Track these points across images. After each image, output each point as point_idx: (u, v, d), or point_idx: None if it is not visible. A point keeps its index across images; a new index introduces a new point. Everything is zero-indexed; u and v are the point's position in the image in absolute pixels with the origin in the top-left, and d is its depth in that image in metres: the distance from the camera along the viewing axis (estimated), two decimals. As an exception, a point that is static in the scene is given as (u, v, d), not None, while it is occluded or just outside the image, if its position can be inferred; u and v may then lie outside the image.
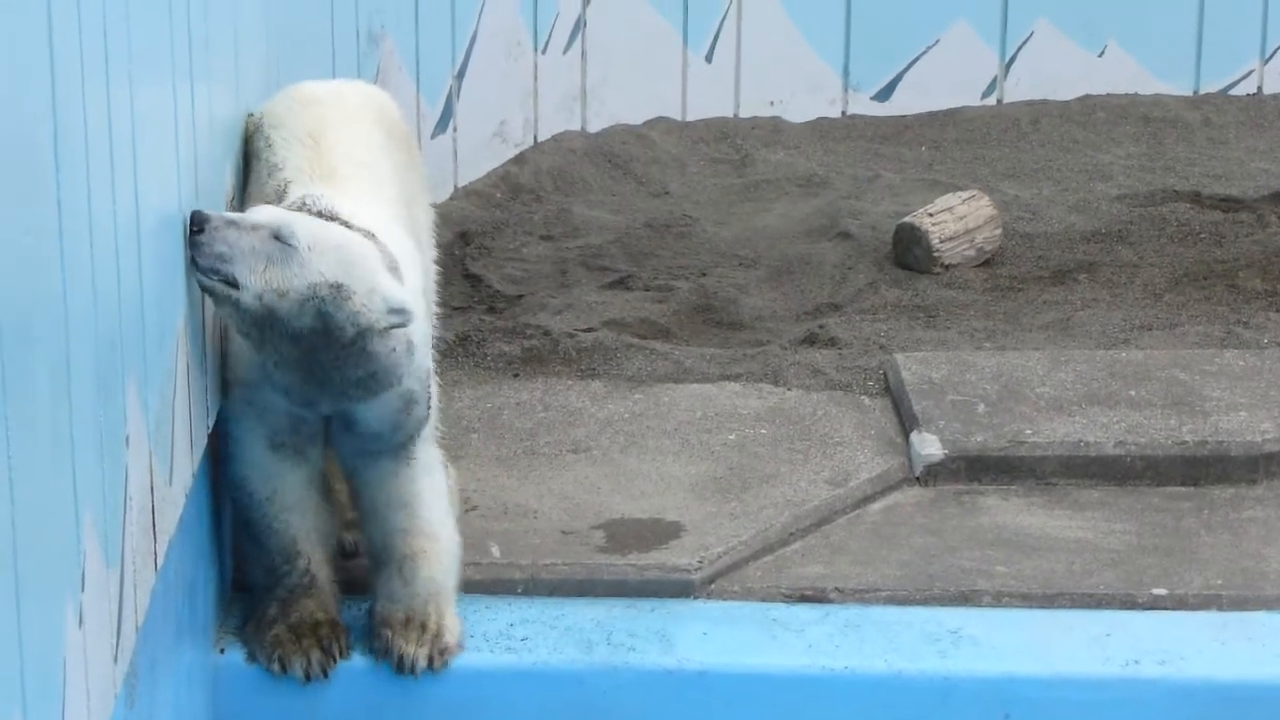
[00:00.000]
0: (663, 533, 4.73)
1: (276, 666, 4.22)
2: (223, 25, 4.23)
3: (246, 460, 4.21)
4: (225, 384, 4.21)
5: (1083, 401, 5.29)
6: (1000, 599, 4.55)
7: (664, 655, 4.34)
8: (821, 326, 5.95)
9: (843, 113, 7.97)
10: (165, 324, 3.70)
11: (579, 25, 7.70)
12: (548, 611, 4.45)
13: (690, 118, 7.86)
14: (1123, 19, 7.94)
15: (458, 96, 7.15)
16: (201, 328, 4.05)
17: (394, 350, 3.99)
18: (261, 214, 3.95)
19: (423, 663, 4.25)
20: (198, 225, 3.84)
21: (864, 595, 4.55)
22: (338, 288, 3.90)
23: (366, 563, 4.51)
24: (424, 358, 4.16)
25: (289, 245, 3.88)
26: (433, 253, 4.69)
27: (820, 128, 7.88)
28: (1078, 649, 4.38)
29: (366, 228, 4.06)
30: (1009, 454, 5.08)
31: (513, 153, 7.49)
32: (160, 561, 3.66)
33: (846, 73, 7.93)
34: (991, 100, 7.99)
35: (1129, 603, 4.55)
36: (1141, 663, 4.34)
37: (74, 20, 3.04)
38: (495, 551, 4.56)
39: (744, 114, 7.92)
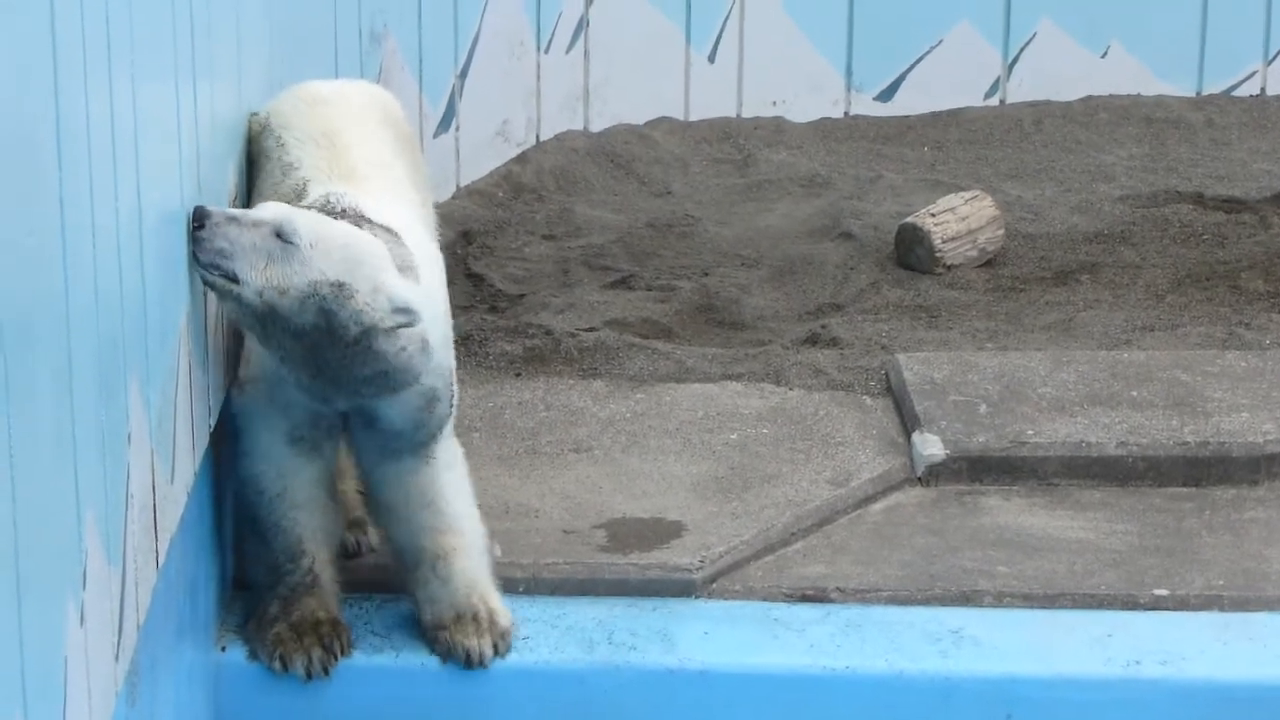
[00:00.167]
0: (664, 532, 4.73)
1: (278, 665, 4.22)
2: (225, 23, 4.23)
3: (261, 456, 4.20)
4: (240, 381, 4.21)
5: (1085, 402, 5.29)
6: (1002, 599, 4.55)
7: (665, 655, 4.34)
8: (823, 326, 5.95)
9: (845, 113, 7.97)
10: (167, 322, 3.70)
11: (582, 25, 7.71)
12: (549, 611, 4.46)
13: (693, 117, 7.86)
14: (1125, 19, 7.94)
15: (460, 96, 7.16)
16: (204, 326, 4.05)
17: (404, 350, 3.98)
18: (266, 210, 3.94)
19: (490, 652, 4.27)
20: (199, 221, 3.84)
21: (865, 595, 4.55)
22: (340, 286, 3.89)
23: (370, 561, 4.52)
24: (445, 356, 4.16)
25: (290, 243, 3.88)
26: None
27: (823, 128, 7.88)
28: (1079, 649, 4.38)
29: (389, 226, 4.06)
30: (1011, 454, 5.08)
31: (515, 152, 7.49)
32: (162, 560, 3.66)
33: (849, 73, 7.93)
34: (994, 101, 7.99)
35: (1131, 603, 4.54)
36: (1143, 663, 4.34)
37: (76, 18, 3.04)
38: (497, 551, 4.56)
39: (746, 114, 7.92)
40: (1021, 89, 7.98)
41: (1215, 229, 6.81)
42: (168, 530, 3.71)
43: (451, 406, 4.22)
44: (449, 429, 4.26)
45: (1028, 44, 7.94)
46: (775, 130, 7.83)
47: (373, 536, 4.56)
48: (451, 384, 4.20)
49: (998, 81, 7.96)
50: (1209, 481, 5.06)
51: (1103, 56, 7.96)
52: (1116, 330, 5.97)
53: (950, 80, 7.92)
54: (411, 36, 6.76)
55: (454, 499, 4.28)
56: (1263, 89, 8.02)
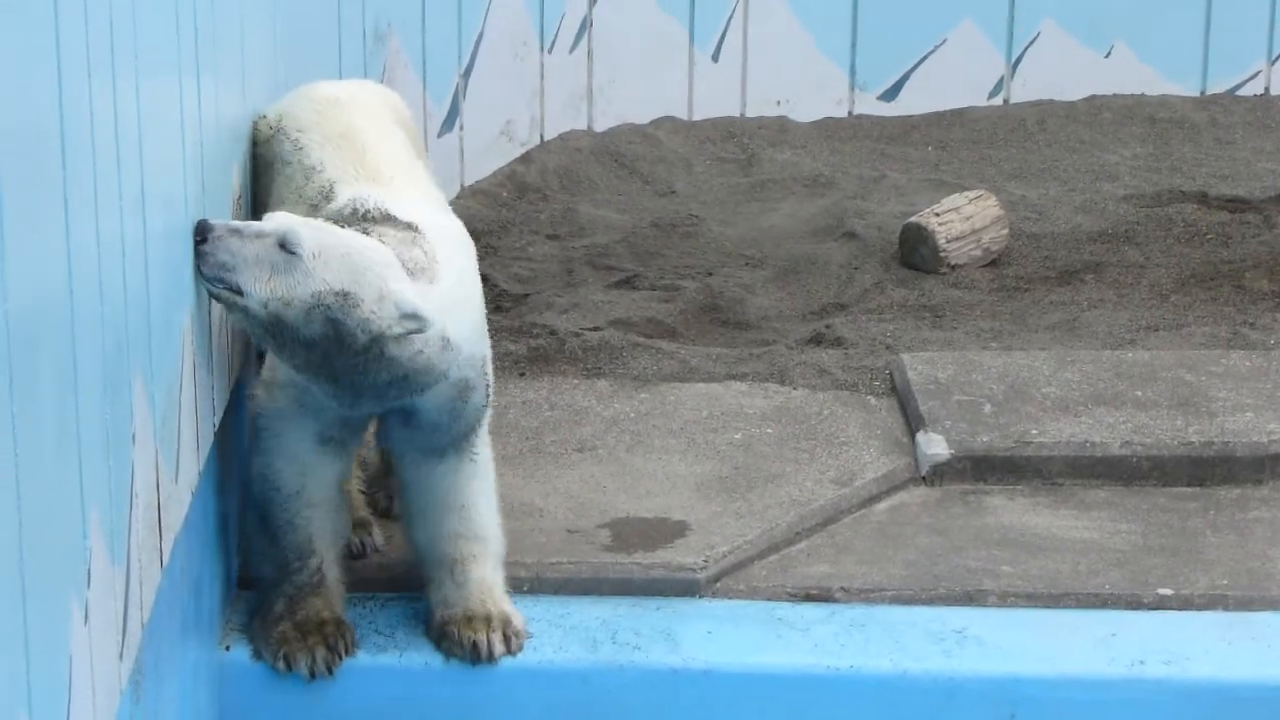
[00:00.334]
0: (668, 532, 4.73)
1: (282, 664, 4.22)
2: (229, 23, 4.23)
3: (284, 454, 4.19)
4: (266, 383, 4.20)
5: (1089, 402, 5.28)
6: (1006, 599, 4.55)
7: (669, 654, 4.34)
8: (828, 326, 5.95)
9: (849, 112, 7.97)
10: (171, 321, 3.70)
11: (585, 24, 7.71)
12: (553, 610, 4.46)
13: (697, 117, 7.87)
14: (1130, 20, 7.94)
15: (464, 96, 7.16)
16: (208, 325, 4.05)
17: (420, 353, 3.97)
18: (269, 221, 3.93)
19: (499, 647, 4.27)
20: (201, 235, 3.84)
21: (869, 595, 4.55)
22: (344, 295, 3.88)
23: (375, 561, 4.52)
24: (479, 345, 4.15)
25: (293, 254, 3.87)
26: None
27: (827, 127, 7.89)
28: (1083, 649, 4.38)
29: (413, 223, 4.06)
30: (1015, 454, 5.08)
31: (519, 152, 7.50)
32: (166, 559, 3.66)
33: (853, 72, 7.93)
34: (998, 100, 7.99)
35: (1134, 603, 4.54)
36: (1147, 663, 4.34)
37: (80, 18, 3.04)
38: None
39: (750, 113, 7.92)
40: (1025, 89, 7.98)
41: (1219, 229, 6.81)
42: (172, 529, 3.71)
43: (488, 396, 4.21)
44: (485, 422, 4.26)
45: (1031, 44, 7.95)
46: (779, 130, 7.83)
47: (377, 537, 4.56)
48: (486, 373, 4.19)
49: (1001, 81, 7.96)
50: (1213, 481, 5.06)
51: (1106, 56, 7.96)
52: (1121, 330, 5.97)
53: (954, 80, 7.93)
54: (415, 36, 6.76)
55: (484, 507, 4.30)
56: (1267, 88, 8.02)
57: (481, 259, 6.67)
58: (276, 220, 3.94)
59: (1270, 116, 7.90)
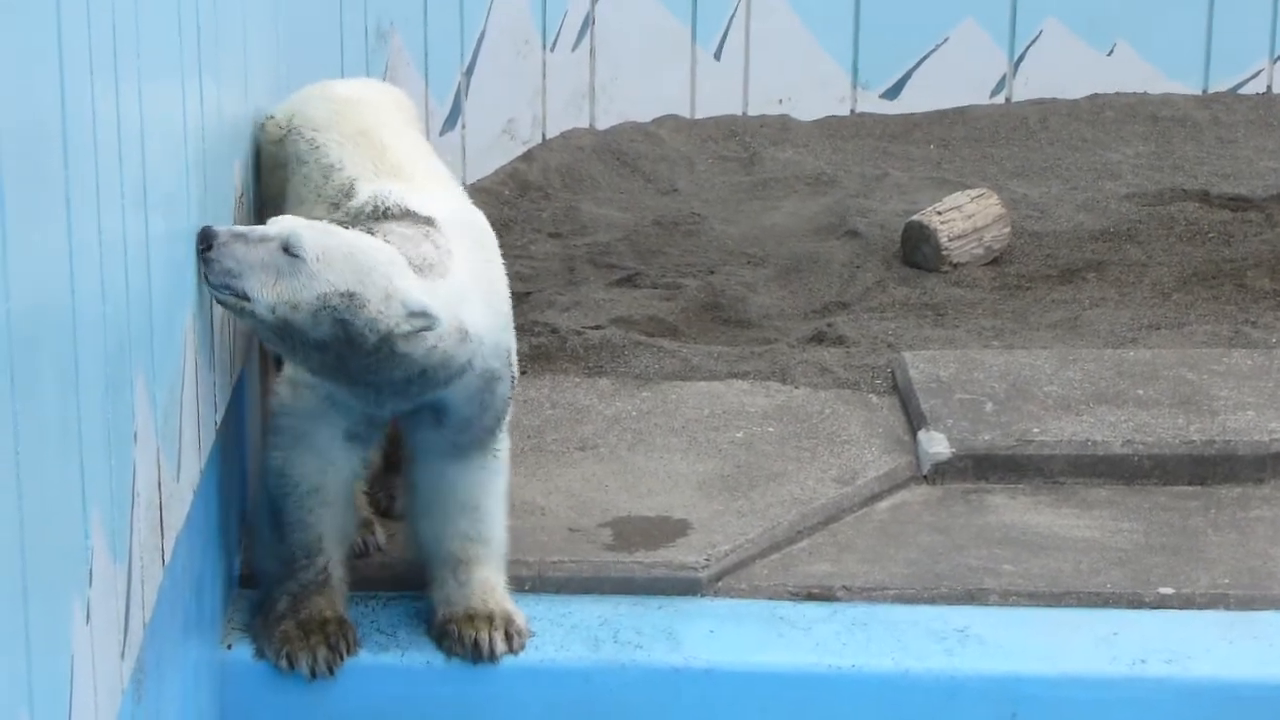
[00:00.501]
0: (670, 530, 4.73)
1: (284, 663, 4.22)
2: (232, 23, 4.23)
3: (308, 450, 4.19)
4: (291, 381, 4.18)
5: (1090, 400, 5.28)
6: (1007, 598, 4.55)
7: (671, 653, 4.34)
8: (829, 325, 5.96)
9: (851, 111, 7.97)
10: (173, 320, 3.70)
11: (588, 22, 7.71)
12: (554, 609, 4.46)
13: (699, 115, 7.87)
14: (1132, 18, 7.94)
15: (466, 94, 7.16)
16: (210, 323, 4.05)
17: (434, 348, 3.96)
18: (273, 226, 3.93)
19: (501, 645, 4.27)
20: (205, 242, 3.84)
21: (871, 593, 4.55)
22: (350, 296, 3.88)
23: (377, 559, 4.52)
24: (503, 336, 4.14)
25: (297, 257, 3.87)
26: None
27: (829, 126, 7.88)
28: (1085, 648, 4.38)
29: (430, 217, 4.07)
30: (1016, 453, 5.08)
31: (521, 150, 7.50)
32: (168, 558, 3.66)
33: (855, 71, 7.93)
34: (1000, 99, 7.99)
35: (1136, 602, 4.54)
36: (1148, 662, 4.34)
37: (83, 18, 3.04)
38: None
39: (753, 112, 7.92)
40: (1027, 87, 7.98)
41: (1221, 227, 6.81)
42: (174, 528, 3.71)
43: (512, 385, 4.21)
44: (508, 418, 4.26)
45: (1033, 42, 7.94)
46: (781, 128, 7.83)
47: (380, 537, 4.56)
48: (511, 364, 4.19)
49: (1003, 79, 7.96)
50: (1215, 480, 5.06)
51: (1108, 55, 7.96)
52: (1122, 328, 5.97)
53: (956, 78, 7.92)
54: (417, 34, 6.76)
55: (495, 510, 4.30)
56: (1269, 87, 8.02)
57: (484, 257, 6.70)
58: (280, 224, 3.94)
59: (1272, 115, 7.90)
